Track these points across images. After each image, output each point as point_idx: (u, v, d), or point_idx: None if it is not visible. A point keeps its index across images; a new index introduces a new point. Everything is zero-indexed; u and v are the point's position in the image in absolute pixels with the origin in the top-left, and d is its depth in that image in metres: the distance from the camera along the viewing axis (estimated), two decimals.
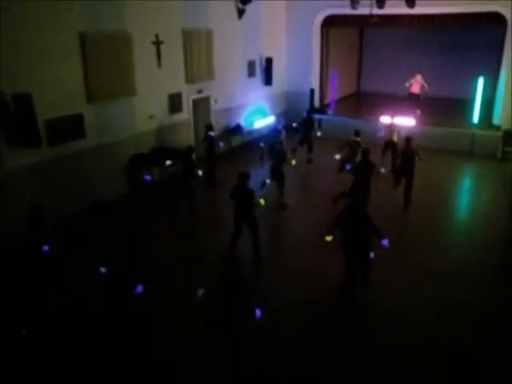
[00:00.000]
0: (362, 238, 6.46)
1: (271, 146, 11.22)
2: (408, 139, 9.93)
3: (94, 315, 6.43)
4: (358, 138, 10.69)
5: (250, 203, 7.59)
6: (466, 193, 11.88)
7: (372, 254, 6.55)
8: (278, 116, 13.44)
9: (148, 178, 9.05)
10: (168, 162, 9.65)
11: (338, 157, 10.83)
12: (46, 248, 6.85)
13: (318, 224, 9.47)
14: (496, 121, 14.12)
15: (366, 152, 9.21)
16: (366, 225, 6.46)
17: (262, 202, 7.89)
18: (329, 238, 6.65)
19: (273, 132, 12.79)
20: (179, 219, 9.57)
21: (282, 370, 5.55)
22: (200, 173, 9.63)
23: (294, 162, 10.20)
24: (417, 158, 9.76)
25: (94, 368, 5.57)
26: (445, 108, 17.28)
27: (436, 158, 13.49)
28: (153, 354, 5.78)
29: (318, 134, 13.17)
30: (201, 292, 5.35)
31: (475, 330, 6.16)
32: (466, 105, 16.25)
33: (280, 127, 12.47)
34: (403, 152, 9.95)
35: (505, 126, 13.62)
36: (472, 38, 17.97)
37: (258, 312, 5.25)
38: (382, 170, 9.93)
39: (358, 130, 10.91)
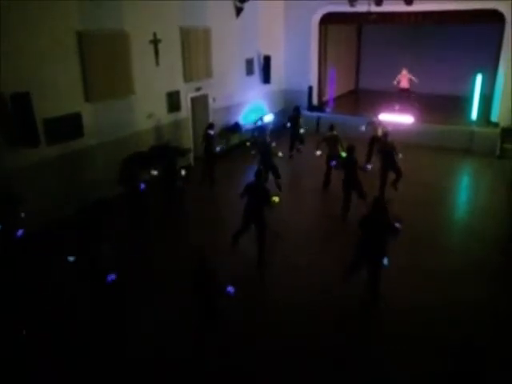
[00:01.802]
0: (379, 242, 6.40)
1: (258, 142, 11.45)
2: (385, 134, 10.05)
3: (93, 315, 6.41)
4: (335, 132, 10.85)
5: (263, 202, 7.56)
6: (465, 190, 11.89)
7: (386, 261, 6.38)
8: (260, 115, 13.68)
9: (142, 186, 8.98)
10: (154, 172, 9.58)
11: (318, 153, 11.12)
12: (20, 232, 7.02)
13: (316, 220, 9.53)
14: (494, 118, 14.13)
15: (350, 149, 9.31)
16: (386, 230, 6.40)
17: (277, 199, 7.82)
18: None
19: (259, 129, 13.09)
20: (175, 219, 9.54)
21: (281, 369, 5.54)
22: (183, 172, 9.68)
23: (280, 154, 10.40)
24: (396, 154, 9.84)
25: (93, 368, 5.56)
26: (443, 105, 17.29)
27: (434, 155, 13.52)
28: (152, 353, 5.78)
29: (301, 130, 13.23)
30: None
31: (476, 329, 6.15)
32: (464, 102, 16.27)
33: (261, 122, 12.80)
34: (381, 148, 10.04)
35: (503, 123, 13.63)
36: (470, 35, 17.96)
37: (230, 289, 5.45)
38: (368, 167, 9.92)
39: (333, 124, 11.14)
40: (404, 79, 16.56)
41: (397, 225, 6.49)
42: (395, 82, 16.69)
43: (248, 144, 12.07)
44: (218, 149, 11.54)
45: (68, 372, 5.47)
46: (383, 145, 10.09)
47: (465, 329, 6.15)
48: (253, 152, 12.22)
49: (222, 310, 5.64)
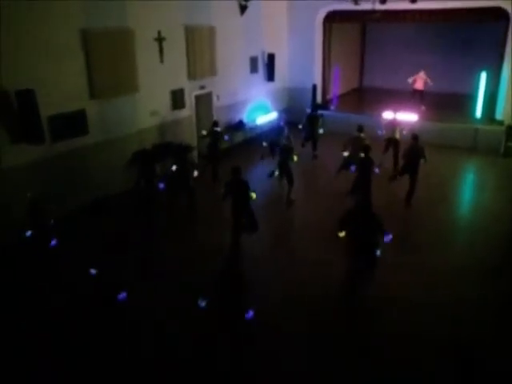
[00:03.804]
0: (368, 236, 6.44)
1: (275, 142, 11.25)
2: (415, 137, 9.78)
3: (93, 314, 6.43)
4: (362, 134, 10.55)
5: (246, 194, 7.73)
6: (470, 188, 11.85)
7: (378, 252, 6.48)
8: (280, 112, 13.19)
9: (161, 185, 9.03)
10: (174, 168, 9.48)
11: (345, 154, 10.67)
12: (53, 243, 7.05)
13: (322, 220, 9.52)
14: (499, 116, 14.09)
15: (366, 149, 9.23)
16: (372, 222, 6.45)
17: (253, 195, 7.97)
18: (341, 234, 6.64)
19: (275, 128, 12.69)
20: (181, 218, 9.55)
21: (281, 368, 5.54)
22: (196, 173, 9.46)
23: (295, 158, 10.25)
24: (422, 159, 9.66)
25: (94, 367, 5.58)
26: (447, 103, 17.22)
27: (439, 153, 13.44)
28: (156, 352, 5.82)
29: (320, 131, 12.89)
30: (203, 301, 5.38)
31: (477, 328, 6.14)
32: (468, 100, 16.21)
33: (282, 123, 12.40)
34: (410, 149, 9.74)
35: (508, 121, 13.57)
36: (474, 33, 17.91)
37: (250, 313, 5.33)
38: (376, 171, 9.78)
39: (362, 126, 10.77)
40: (420, 80, 16.37)
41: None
42: (410, 81, 16.55)
43: (264, 144, 11.87)
44: (226, 137, 11.59)
45: (68, 372, 5.48)
46: (413, 147, 9.74)
47: (468, 327, 6.13)
48: (261, 157, 12.03)
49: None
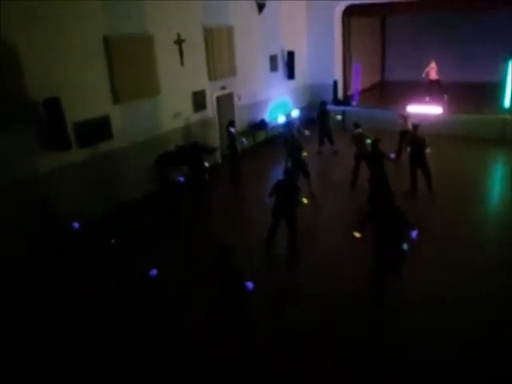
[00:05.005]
0: (394, 231, 6.31)
1: (286, 139, 11.32)
2: (415, 127, 9.91)
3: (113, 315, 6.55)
4: (360, 129, 10.67)
5: (293, 199, 7.57)
6: (498, 182, 11.48)
7: (405, 246, 6.37)
8: (286, 112, 13.57)
9: (181, 179, 9.25)
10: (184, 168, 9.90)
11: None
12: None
13: (342, 216, 9.41)
14: None
15: (375, 142, 9.20)
16: (396, 218, 6.32)
17: (305, 201, 7.88)
18: (358, 235, 6.58)
19: (286, 127, 13.00)
20: (203, 218, 9.61)
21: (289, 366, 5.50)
22: (206, 164, 9.82)
23: (305, 154, 10.48)
24: (425, 148, 9.65)
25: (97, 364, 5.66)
26: (474, 93, 16.77)
27: (465, 146, 13.15)
28: (168, 349, 5.85)
29: (339, 117, 13.09)
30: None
31: (503, 326, 5.93)
32: (496, 89, 15.73)
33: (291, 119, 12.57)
34: (410, 139, 9.92)
35: None
36: (501, 20, 17.38)
37: (249, 285, 5.46)
38: (392, 156, 9.86)
39: (357, 122, 10.94)
40: (433, 71, 16.20)
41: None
42: (424, 75, 16.36)
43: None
44: (244, 141, 11.71)
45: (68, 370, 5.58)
46: (413, 138, 9.92)
47: (493, 322, 5.96)
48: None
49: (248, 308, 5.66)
